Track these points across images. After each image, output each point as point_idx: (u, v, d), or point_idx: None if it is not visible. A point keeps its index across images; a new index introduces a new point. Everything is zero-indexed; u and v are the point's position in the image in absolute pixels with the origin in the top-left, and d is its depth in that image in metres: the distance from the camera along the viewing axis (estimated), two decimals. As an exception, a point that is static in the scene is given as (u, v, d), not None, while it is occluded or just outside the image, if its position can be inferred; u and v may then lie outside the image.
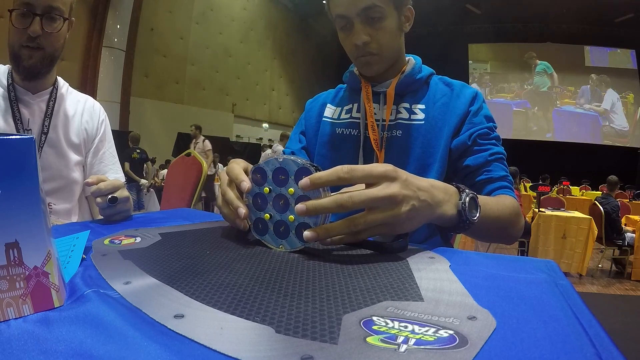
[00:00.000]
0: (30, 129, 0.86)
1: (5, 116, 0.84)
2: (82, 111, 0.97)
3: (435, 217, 0.49)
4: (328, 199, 0.43)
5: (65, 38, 0.84)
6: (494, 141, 0.75)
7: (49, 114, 0.89)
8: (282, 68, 11.76)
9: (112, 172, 1.00)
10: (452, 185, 0.53)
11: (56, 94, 0.91)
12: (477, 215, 0.53)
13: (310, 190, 0.44)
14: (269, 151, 7.60)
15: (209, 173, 5.27)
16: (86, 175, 0.98)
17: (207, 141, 5.73)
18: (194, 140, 5.64)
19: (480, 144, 0.74)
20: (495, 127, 0.77)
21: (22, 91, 0.86)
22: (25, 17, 0.75)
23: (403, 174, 0.45)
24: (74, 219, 0.94)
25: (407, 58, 0.82)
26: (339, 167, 0.43)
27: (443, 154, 0.74)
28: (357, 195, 0.42)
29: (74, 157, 0.94)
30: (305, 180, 0.43)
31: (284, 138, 7.14)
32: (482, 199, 0.59)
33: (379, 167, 0.44)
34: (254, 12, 10.58)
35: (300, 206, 0.43)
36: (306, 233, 0.44)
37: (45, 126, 0.88)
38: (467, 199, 0.51)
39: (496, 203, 0.64)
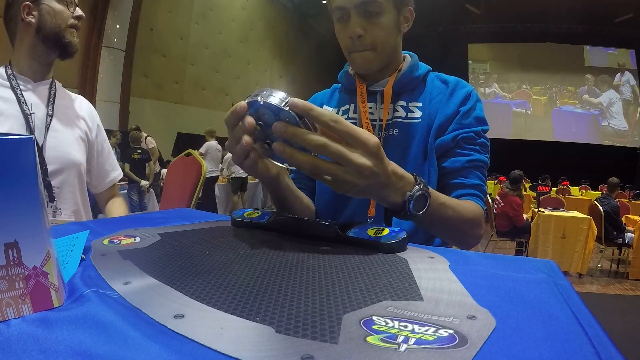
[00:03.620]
0: (34, 113, 0.90)
1: (9, 102, 0.88)
2: (80, 106, 1.04)
3: (379, 198, 0.51)
4: (311, 137, 0.43)
5: None
6: (478, 147, 0.73)
7: (51, 100, 0.94)
8: (282, 68, 11.75)
9: (112, 169, 1.10)
10: (412, 175, 0.53)
11: (55, 86, 0.97)
12: (422, 211, 0.53)
13: (294, 110, 0.43)
14: None
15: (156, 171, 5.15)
16: (91, 174, 1.03)
17: (149, 138, 5.43)
18: (140, 140, 5.22)
19: (463, 147, 0.73)
20: (486, 131, 0.75)
21: (24, 79, 0.92)
22: (72, 4, 0.92)
23: (379, 165, 0.45)
24: (79, 202, 0.97)
25: (403, 55, 0.80)
26: (330, 114, 0.43)
27: (434, 153, 0.74)
28: (335, 150, 0.43)
29: (78, 139, 0.98)
30: (295, 101, 0.43)
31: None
32: (441, 197, 0.60)
33: (364, 139, 0.44)
34: (253, 12, 10.57)
35: (280, 125, 0.43)
36: (276, 145, 0.45)
37: (50, 109, 0.93)
38: (417, 193, 0.52)
39: (457, 205, 0.63)
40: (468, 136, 0.72)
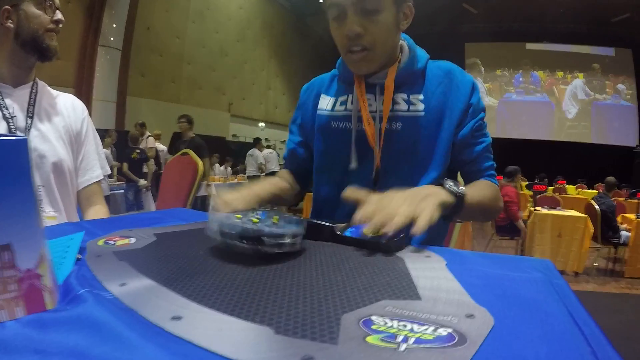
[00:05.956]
0: (15, 116, 0.90)
1: None
2: (64, 104, 1.02)
3: (441, 203, 0.57)
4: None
5: None
6: (484, 131, 0.78)
7: (31, 102, 0.94)
8: (278, 67, 11.72)
9: (91, 170, 1.05)
10: (435, 185, 0.62)
11: (36, 87, 0.96)
12: (463, 188, 0.62)
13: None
14: (266, 151, 7.61)
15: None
16: (73, 174, 1.01)
17: (151, 138, 5.49)
18: (140, 139, 5.23)
19: (476, 136, 0.76)
20: (485, 114, 0.79)
21: (3, 85, 0.91)
22: (51, 7, 0.91)
23: (396, 204, 0.52)
24: (58, 199, 0.95)
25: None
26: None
27: (445, 146, 0.74)
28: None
29: (59, 137, 0.97)
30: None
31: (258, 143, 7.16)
32: (474, 192, 0.66)
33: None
34: (250, 11, 10.53)
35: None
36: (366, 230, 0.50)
37: (30, 111, 0.93)
38: (450, 182, 0.61)
39: (477, 189, 0.71)
40: (478, 125, 0.76)
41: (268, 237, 0.42)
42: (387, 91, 0.73)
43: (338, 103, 0.80)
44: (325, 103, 0.82)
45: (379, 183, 0.74)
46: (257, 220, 0.46)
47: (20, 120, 0.91)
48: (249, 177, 6.57)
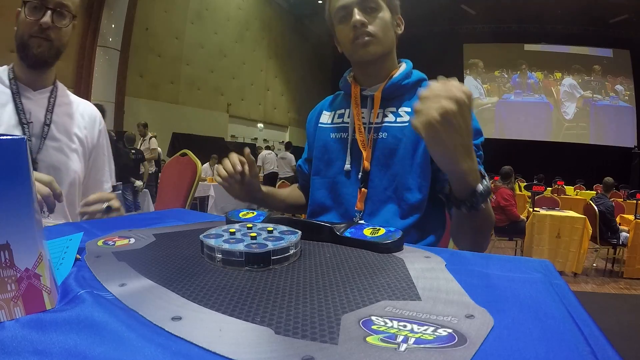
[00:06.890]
0: (32, 122, 0.88)
1: (7, 109, 0.87)
2: (82, 115, 1.01)
3: (465, 170, 0.57)
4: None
5: (69, 35, 0.90)
6: (478, 160, 0.74)
7: (50, 108, 0.92)
8: (277, 68, 11.73)
9: (103, 183, 1.05)
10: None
11: (56, 92, 0.95)
12: (482, 207, 0.61)
13: None
14: (264, 152, 7.65)
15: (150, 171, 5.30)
16: (83, 185, 1.00)
17: (153, 139, 5.62)
18: (141, 139, 5.45)
19: None
20: (482, 142, 0.76)
21: (24, 87, 0.89)
22: (38, 9, 0.83)
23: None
24: (67, 213, 0.94)
25: (400, 63, 0.85)
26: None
27: (427, 155, 0.75)
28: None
29: (74, 149, 0.96)
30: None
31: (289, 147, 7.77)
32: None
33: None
34: (249, 12, 10.55)
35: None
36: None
37: (48, 118, 0.91)
38: (486, 186, 0.60)
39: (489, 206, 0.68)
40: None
41: (275, 254, 0.41)
42: (375, 101, 0.82)
43: (336, 116, 0.89)
44: (326, 118, 0.91)
45: (365, 184, 0.81)
46: (254, 235, 0.46)
47: (37, 127, 0.89)
48: (282, 179, 6.86)
